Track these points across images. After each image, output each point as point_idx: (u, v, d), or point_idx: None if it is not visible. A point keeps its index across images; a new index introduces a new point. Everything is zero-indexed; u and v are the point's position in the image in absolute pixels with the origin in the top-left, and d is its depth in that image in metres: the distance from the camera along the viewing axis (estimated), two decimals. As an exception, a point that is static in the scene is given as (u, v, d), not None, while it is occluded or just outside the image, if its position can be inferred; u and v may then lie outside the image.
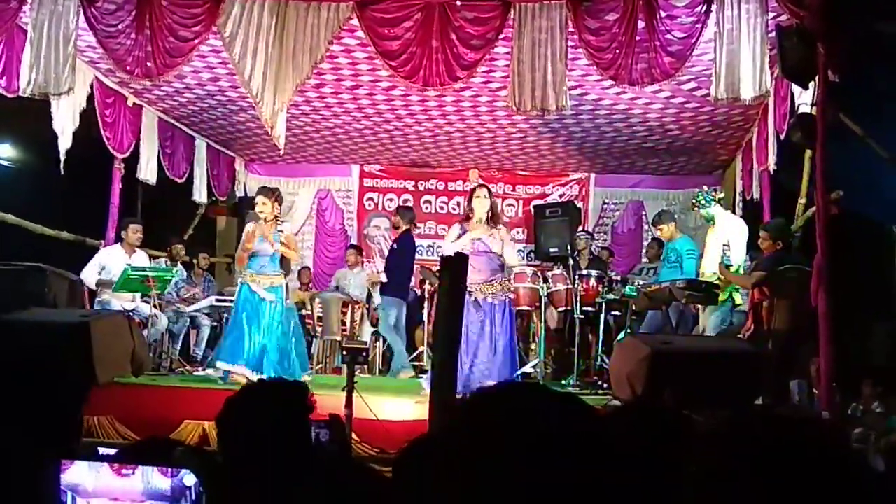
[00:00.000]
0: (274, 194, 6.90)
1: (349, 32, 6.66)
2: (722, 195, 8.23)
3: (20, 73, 6.54)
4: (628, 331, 7.58)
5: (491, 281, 6.36)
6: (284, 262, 7.01)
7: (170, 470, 1.42)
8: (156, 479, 1.41)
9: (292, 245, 7.00)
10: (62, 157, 7.33)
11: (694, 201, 7.62)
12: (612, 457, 0.95)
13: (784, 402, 5.97)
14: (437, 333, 3.92)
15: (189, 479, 1.42)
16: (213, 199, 10.74)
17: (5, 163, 11.63)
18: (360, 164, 11.46)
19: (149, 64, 6.56)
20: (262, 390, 2.36)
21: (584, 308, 7.78)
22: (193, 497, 1.40)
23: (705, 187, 7.76)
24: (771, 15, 5.86)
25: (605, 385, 6.97)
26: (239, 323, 6.72)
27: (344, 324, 9.27)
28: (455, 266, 3.69)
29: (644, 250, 10.36)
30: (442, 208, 11.43)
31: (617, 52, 6.14)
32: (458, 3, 6.32)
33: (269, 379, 2.45)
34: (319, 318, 9.43)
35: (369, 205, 11.56)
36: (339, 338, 9.09)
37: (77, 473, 1.40)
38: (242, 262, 6.87)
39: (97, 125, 7.93)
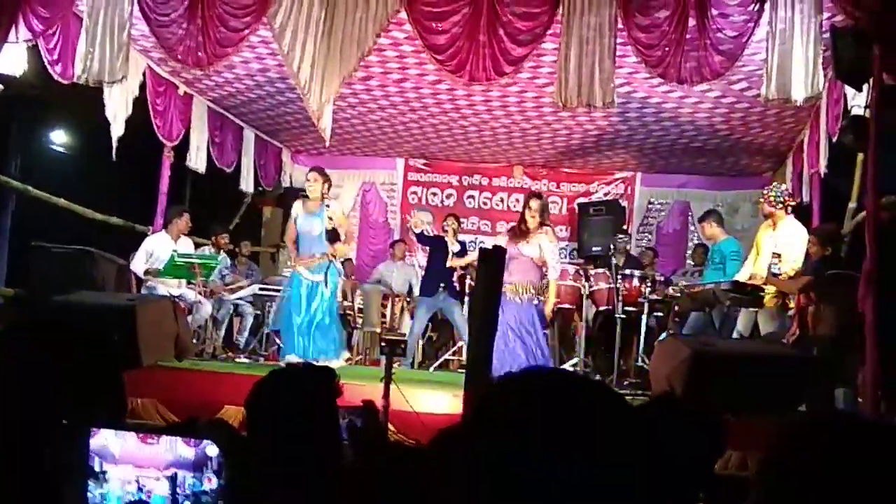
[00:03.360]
0: (325, 175, 6.94)
1: (397, 26, 6.69)
2: (796, 201, 7.76)
3: (75, 61, 6.65)
4: (670, 332, 7.52)
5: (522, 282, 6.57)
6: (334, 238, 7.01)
7: (192, 440, 1.47)
8: (180, 447, 1.46)
9: (343, 223, 7.00)
10: (114, 144, 7.49)
11: (766, 192, 7.10)
12: (640, 447, 0.94)
13: (829, 409, 5.87)
14: (472, 327, 3.94)
15: (211, 449, 1.47)
16: (260, 189, 10.86)
17: (59, 149, 11.91)
18: (405, 158, 11.48)
19: (200, 53, 6.65)
20: (289, 374, 2.39)
21: (626, 308, 7.73)
22: (215, 467, 1.45)
23: (784, 186, 7.47)
24: (825, 15, 5.69)
25: (644, 385, 6.95)
26: (287, 317, 6.81)
27: (384, 316, 9.36)
28: (492, 260, 3.71)
29: (690, 253, 10.27)
30: (485, 204, 11.44)
31: (666, 49, 6.09)
32: (507, -3, 6.34)
33: (296, 363, 2.49)
34: (360, 310, 9.52)
35: (413, 198, 11.60)
36: (378, 330, 9.18)
37: (104, 439, 1.45)
38: (292, 246, 6.92)
39: (148, 113, 8.10)
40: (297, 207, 6.92)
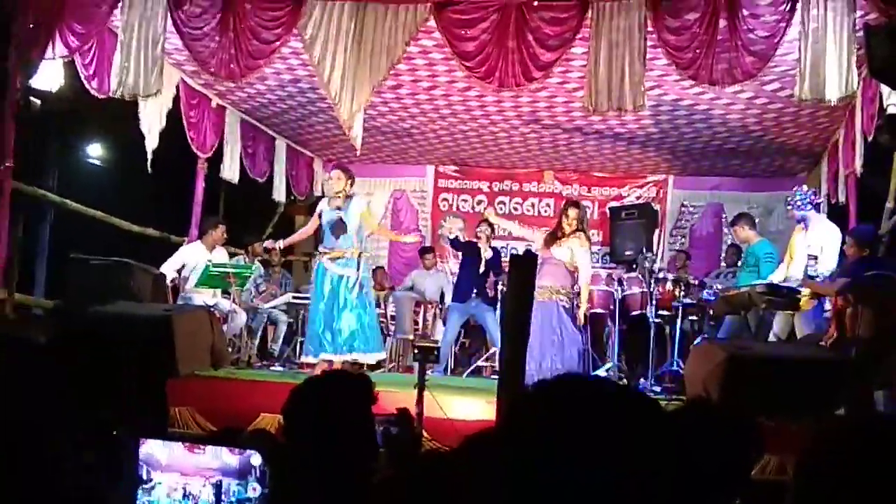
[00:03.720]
0: (348, 172, 7.01)
1: (426, 34, 6.70)
2: (822, 199, 7.83)
3: (111, 75, 6.74)
4: (705, 336, 7.46)
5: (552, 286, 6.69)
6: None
7: (237, 449, 1.52)
8: (225, 455, 1.51)
9: (368, 218, 7.09)
10: (149, 157, 7.59)
11: (789, 200, 7.16)
12: (671, 453, 0.95)
13: (868, 412, 5.79)
14: (504, 333, 3.95)
15: (255, 458, 1.52)
16: (293, 198, 10.93)
17: (95, 162, 12.10)
18: (435, 165, 11.53)
19: (232, 66, 6.72)
20: (325, 382, 2.42)
21: (660, 312, 7.69)
22: (258, 475, 1.49)
23: (804, 187, 7.36)
24: (859, 13, 5.61)
25: (679, 390, 6.89)
26: (312, 310, 6.86)
27: (416, 323, 9.36)
28: (523, 265, 3.72)
29: (723, 255, 10.19)
30: (516, 209, 11.41)
31: (697, 51, 6.04)
32: (535, 3, 6.33)
33: (333, 371, 2.53)
34: (392, 318, 9.55)
35: (444, 205, 11.65)
36: (411, 337, 9.18)
37: (152, 448, 1.49)
38: (300, 233, 7.16)
39: (182, 125, 8.19)
40: (322, 204, 7.07)
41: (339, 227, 6.82)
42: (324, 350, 6.69)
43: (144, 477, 1.46)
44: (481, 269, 8.40)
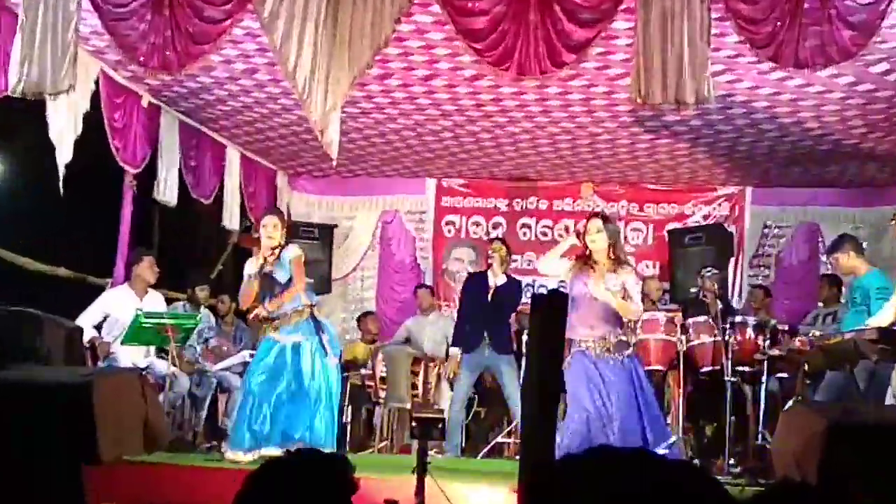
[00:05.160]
0: (284, 218, 7.30)
1: (421, 7, 6.70)
2: None
3: (8, 67, 6.71)
4: (799, 398, 7.42)
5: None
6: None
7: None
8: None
9: (299, 269, 7.13)
10: (61, 174, 7.58)
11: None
12: None
13: None
14: (525, 398, 3.92)
15: None
16: (248, 224, 10.95)
17: (-8, 181, 12.19)
18: (437, 178, 11.62)
19: (168, 53, 6.75)
20: (288, 466, 2.42)
21: (739, 368, 7.67)
22: None
23: None
24: None
25: (765, 470, 6.86)
26: (244, 392, 7.00)
27: (415, 387, 9.35)
28: (549, 306, 3.70)
29: (820, 291, 10.09)
30: (545, 234, 11.47)
31: (778, 24, 6.09)
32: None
33: (300, 451, 2.52)
34: (383, 380, 9.52)
35: (449, 230, 11.69)
36: (408, 405, 9.17)
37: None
38: (247, 301, 7.14)
39: (104, 132, 8.15)
40: (250, 265, 7.17)
41: (275, 287, 7.01)
42: (259, 444, 6.74)
43: None
44: (489, 299, 8.40)
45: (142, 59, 6.86)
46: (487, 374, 8.88)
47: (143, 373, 7.17)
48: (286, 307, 6.99)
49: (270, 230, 7.03)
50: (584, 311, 6.55)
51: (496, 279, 8.41)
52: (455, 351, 8.94)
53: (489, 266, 8.56)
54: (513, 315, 9.14)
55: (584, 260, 6.74)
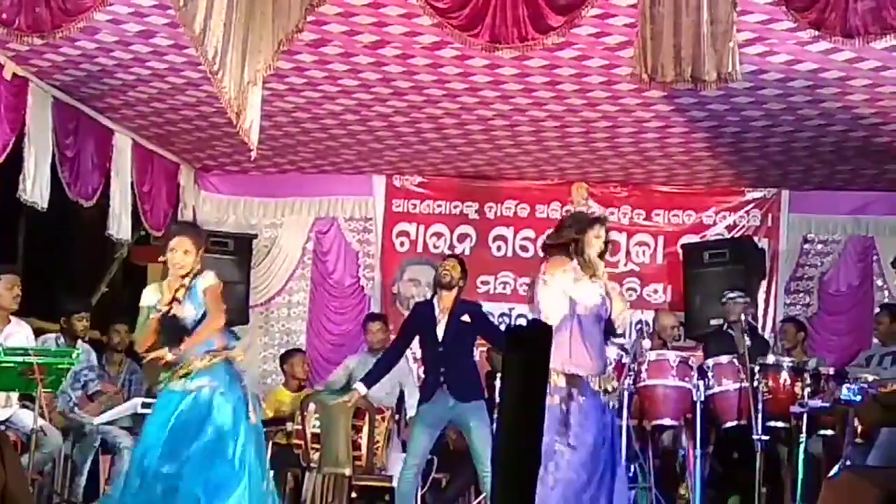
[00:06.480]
0: (200, 238, 6.97)
1: (367, -46, 6.61)
2: None
3: None
4: (847, 462, 7.50)
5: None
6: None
7: None
8: None
9: (214, 302, 6.95)
10: None
11: None
12: None
13: None
14: (497, 458, 3.89)
15: None
16: (143, 233, 10.90)
17: None
18: (387, 175, 11.62)
19: (39, 10, 6.78)
20: None
21: (772, 423, 7.72)
22: None
23: None
24: None
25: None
26: (137, 455, 6.72)
27: (357, 446, 9.25)
28: (529, 344, 3.64)
29: (875, 325, 10.07)
30: (525, 249, 11.41)
31: (822, -19, 6.13)
32: None
33: None
34: (316, 437, 9.46)
35: (402, 243, 11.63)
36: (347, 471, 9.09)
37: None
38: (146, 343, 6.87)
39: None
40: (149, 295, 6.87)
41: (179, 330, 6.71)
42: None
43: None
44: (441, 338, 8.31)
45: (4, 16, 6.84)
46: (451, 430, 8.85)
47: (2, 427, 7.14)
48: (198, 350, 6.72)
49: (180, 256, 6.71)
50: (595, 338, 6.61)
51: (444, 308, 8.29)
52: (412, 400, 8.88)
53: (435, 292, 8.37)
54: (477, 353, 9.15)
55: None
